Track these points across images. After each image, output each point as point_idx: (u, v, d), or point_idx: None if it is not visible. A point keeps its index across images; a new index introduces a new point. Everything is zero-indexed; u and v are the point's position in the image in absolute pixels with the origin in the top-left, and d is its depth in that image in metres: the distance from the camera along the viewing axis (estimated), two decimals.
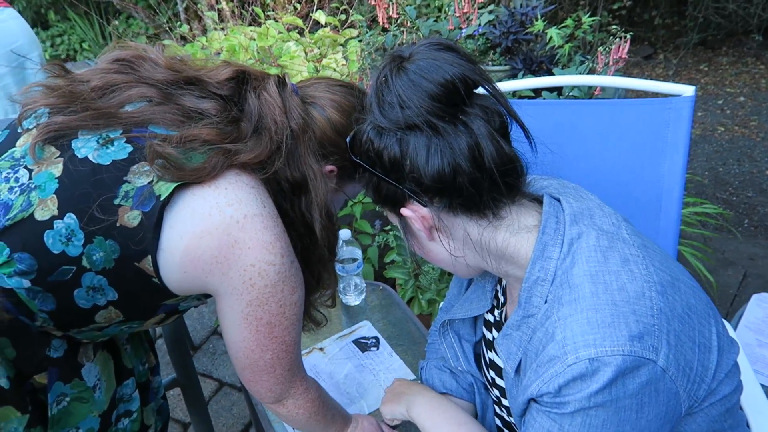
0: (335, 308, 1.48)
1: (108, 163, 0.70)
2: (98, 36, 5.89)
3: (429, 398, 0.94)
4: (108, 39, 5.89)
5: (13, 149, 0.74)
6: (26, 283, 0.70)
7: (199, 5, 4.98)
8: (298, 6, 2.38)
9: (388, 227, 1.76)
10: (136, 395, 0.89)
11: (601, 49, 1.44)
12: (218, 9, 2.56)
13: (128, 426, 0.88)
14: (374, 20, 3.11)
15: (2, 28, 2.04)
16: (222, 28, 2.51)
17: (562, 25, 1.91)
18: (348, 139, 0.76)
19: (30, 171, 0.71)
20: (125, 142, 0.72)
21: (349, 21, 2.36)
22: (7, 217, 0.69)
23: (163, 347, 1.47)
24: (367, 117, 0.71)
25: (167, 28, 3.13)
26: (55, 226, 0.69)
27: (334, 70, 1.93)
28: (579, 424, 0.64)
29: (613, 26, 1.46)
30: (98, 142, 0.71)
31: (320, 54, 2.16)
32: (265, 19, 2.12)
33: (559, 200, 0.75)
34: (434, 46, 0.68)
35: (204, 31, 4.67)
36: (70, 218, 0.69)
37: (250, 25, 2.49)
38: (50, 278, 0.70)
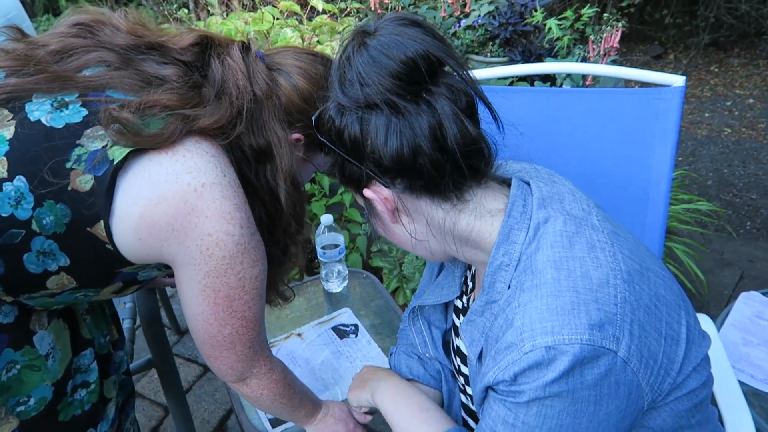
0: (317, 294, 1.47)
1: (61, 126, 0.69)
2: None
3: (393, 384, 0.92)
4: None
5: None
6: None
7: None
8: None
9: None
10: (94, 366, 0.87)
11: (592, 37, 1.41)
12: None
13: (85, 397, 0.86)
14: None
15: None
16: (222, 14, 2.51)
17: (561, 16, 1.88)
18: (313, 117, 0.74)
19: None
20: (81, 105, 0.70)
21: (347, 9, 2.34)
22: None
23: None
24: (330, 94, 0.69)
25: (167, 13, 3.13)
26: (4, 188, 0.67)
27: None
28: (534, 414, 0.62)
29: (605, 15, 1.43)
30: (52, 105, 0.70)
31: (318, 41, 2.14)
32: (262, 5, 2.10)
33: (528, 184, 0.73)
34: (399, 21, 0.66)
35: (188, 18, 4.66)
36: (20, 181, 0.67)
37: (249, 11, 2.48)
38: None
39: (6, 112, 0.70)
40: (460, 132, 0.65)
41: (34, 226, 0.68)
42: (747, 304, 1.34)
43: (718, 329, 1.29)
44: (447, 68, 0.67)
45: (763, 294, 1.37)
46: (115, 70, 0.74)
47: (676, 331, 0.66)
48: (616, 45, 1.41)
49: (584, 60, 1.54)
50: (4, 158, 0.68)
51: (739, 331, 1.28)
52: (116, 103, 0.69)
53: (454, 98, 0.66)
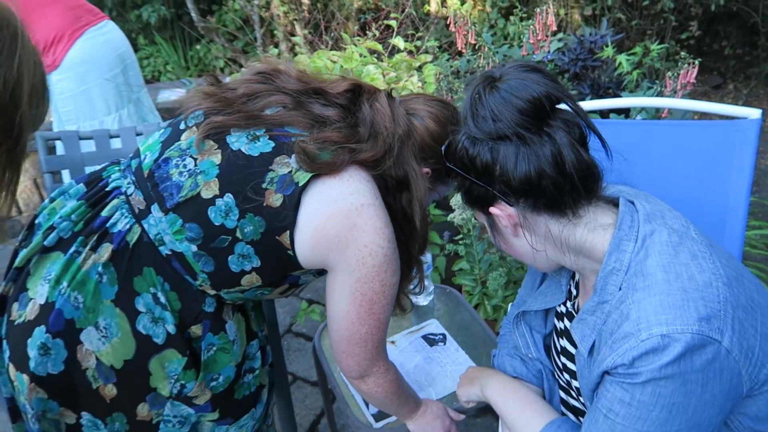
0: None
1: (257, 154, 0.86)
2: (181, 59, 6.35)
3: (501, 380, 1.04)
4: (190, 61, 6.35)
5: (179, 142, 0.91)
6: (194, 248, 0.86)
7: (275, 32, 5.32)
8: (377, 32, 2.57)
9: (459, 237, 1.87)
10: (258, 355, 1.03)
11: (669, 74, 1.52)
12: (301, 34, 2.78)
13: (252, 381, 1.02)
14: (448, 46, 3.27)
15: (111, 37, 2.39)
16: (294, 53, 2.73)
17: (631, 52, 2.00)
18: (443, 148, 0.88)
19: (195, 159, 0.87)
20: (268, 138, 0.87)
21: (423, 47, 2.52)
22: (180, 195, 0.86)
23: None
24: (461, 128, 0.83)
25: (243, 51, 3.40)
26: (216, 203, 0.84)
27: (411, 91, 2.09)
28: (650, 394, 0.72)
29: (681, 53, 1.54)
30: (248, 138, 0.87)
31: (397, 77, 2.32)
32: (352, 44, 2.30)
33: (632, 202, 0.85)
34: (522, 68, 0.81)
35: (279, 55, 4.97)
36: (228, 197, 0.84)
37: (331, 49, 2.70)
38: (212, 245, 0.85)
39: (212, 142, 0.88)
40: (577, 158, 0.78)
41: (238, 234, 0.85)
42: None
43: None
44: (562, 105, 0.81)
45: None
46: (291, 110, 0.91)
47: None
48: (692, 81, 1.52)
49: (659, 94, 1.65)
50: (216, 179, 0.85)
51: None
52: (298, 138, 0.86)
53: (569, 130, 0.79)
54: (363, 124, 0.93)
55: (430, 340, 1.48)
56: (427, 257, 1.60)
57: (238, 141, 0.87)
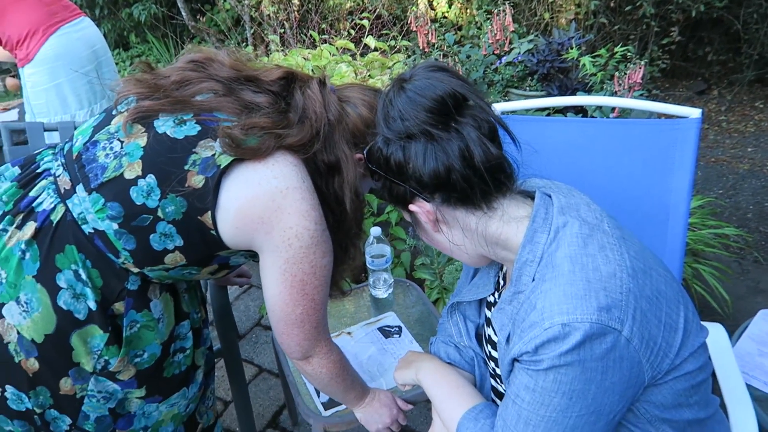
0: (365, 300, 1.63)
1: (181, 137, 0.89)
2: (173, 57, 6.38)
3: (434, 365, 1.07)
4: None
5: (109, 126, 0.94)
6: (115, 226, 0.89)
7: (265, 31, 5.34)
8: (353, 32, 2.60)
9: None
10: (190, 335, 1.06)
11: (617, 74, 1.55)
12: (281, 33, 2.81)
13: (182, 360, 1.05)
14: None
15: (86, 33, 2.43)
16: (283, 51, 2.76)
17: (596, 54, 2.04)
18: (365, 151, 0.91)
19: (122, 142, 0.91)
20: (195, 122, 0.90)
21: (397, 47, 2.56)
22: (104, 175, 0.89)
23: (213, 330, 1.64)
24: (378, 131, 0.86)
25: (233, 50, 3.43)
26: (138, 183, 0.88)
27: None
28: (552, 380, 0.75)
29: (629, 55, 1.57)
30: (174, 122, 0.90)
31: (369, 75, 2.35)
32: (321, 43, 2.34)
33: (549, 196, 0.88)
34: (429, 68, 0.84)
35: (267, 53, 5.01)
36: (151, 178, 0.87)
37: (308, 48, 2.73)
38: (133, 223, 0.88)
39: (139, 126, 0.91)
40: (484, 152, 0.81)
41: (159, 213, 0.88)
42: (765, 320, 1.43)
43: (736, 340, 1.39)
44: (471, 102, 0.84)
45: None
46: (221, 96, 0.94)
47: (675, 321, 0.79)
48: (639, 80, 1.55)
49: (613, 95, 1.69)
50: (140, 161, 0.89)
51: (756, 343, 1.37)
52: (226, 123, 0.89)
53: (478, 126, 0.81)
54: (294, 110, 0.95)
55: (386, 332, 1.51)
56: (386, 251, 1.63)
57: (164, 125, 0.90)
